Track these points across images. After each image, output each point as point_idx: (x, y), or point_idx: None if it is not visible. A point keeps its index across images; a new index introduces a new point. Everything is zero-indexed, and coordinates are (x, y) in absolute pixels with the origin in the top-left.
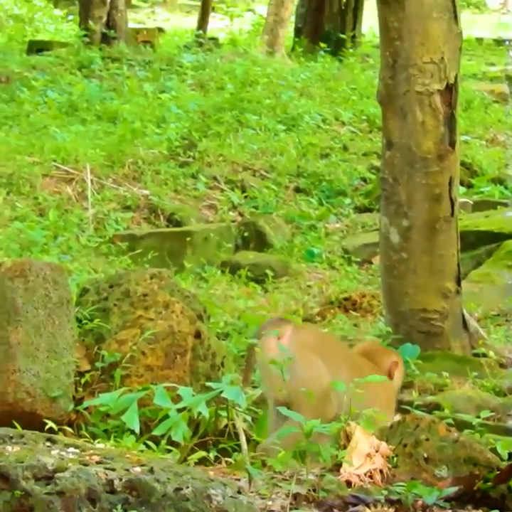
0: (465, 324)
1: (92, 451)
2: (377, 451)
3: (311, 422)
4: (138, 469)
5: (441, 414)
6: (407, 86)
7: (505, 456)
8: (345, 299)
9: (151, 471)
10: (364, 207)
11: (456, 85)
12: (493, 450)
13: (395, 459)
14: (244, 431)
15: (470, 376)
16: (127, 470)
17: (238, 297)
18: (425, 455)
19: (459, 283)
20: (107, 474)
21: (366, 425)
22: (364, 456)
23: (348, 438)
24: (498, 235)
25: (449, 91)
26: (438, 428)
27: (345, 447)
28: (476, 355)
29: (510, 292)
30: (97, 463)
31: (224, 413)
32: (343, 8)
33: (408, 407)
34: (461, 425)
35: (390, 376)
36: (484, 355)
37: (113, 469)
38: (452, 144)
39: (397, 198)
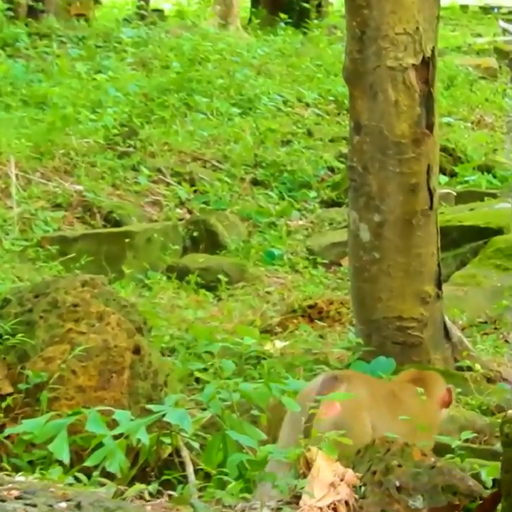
0: (447, 333)
1: (11, 485)
2: (342, 480)
3: (266, 447)
4: (63, 505)
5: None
6: (377, 61)
7: (490, 483)
8: (310, 307)
9: (78, 506)
10: (331, 201)
11: (434, 59)
12: (476, 476)
13: (363, 488)
14: (191, 460)
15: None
16: (50, 506)
17: (186, 307)
18: (397, 483)
19: (439, 286)
20: (26, 511)
21: (329, 450)
22: (327, 486)
23: (309, 465)
24: (484, 231)
25: (426, 66)
26: (412, 452)
27: (305, 476)
28: (460, 368)
29: (498, 296)
30: (17, 498)
31: (168, 440)
32: None
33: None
34: (442, 449)
35: (445, 404)
36: (469, 369)
37: (34, 505)
38: (430, 126)
39: (368, 189)
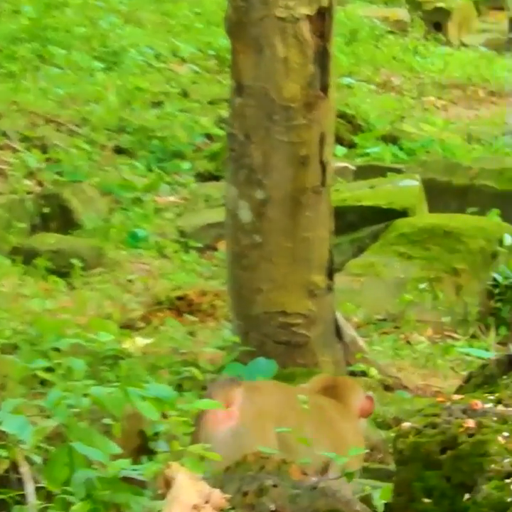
0: (338, 332)
1: None
2: (207, 502)
3: (119, 462)
4: None
5: None
6: (264, 10)
7: (381, 508)
8: (179, 299)
9: None
10: (208, 174)
11: (331, 9)
12: (367, 500)
13: None
14: (32, 476)
15: None
16: None
17: (33, 296)
18: (272, 507)
19: (331, 276)
20: None
21: (193, 466)
22: (189, 509)
23: (169, 484)
24: (387, 212)
25: (321, 17)
26: (290, 470)
27: (163, 497)
28: (353, 373)
29: (400, 289)
30: None
31: (4, 452)
32: None
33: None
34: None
35: (365, 413)
36: (364, 374)
37: None
38: (325, 88)
39: (249, 161)
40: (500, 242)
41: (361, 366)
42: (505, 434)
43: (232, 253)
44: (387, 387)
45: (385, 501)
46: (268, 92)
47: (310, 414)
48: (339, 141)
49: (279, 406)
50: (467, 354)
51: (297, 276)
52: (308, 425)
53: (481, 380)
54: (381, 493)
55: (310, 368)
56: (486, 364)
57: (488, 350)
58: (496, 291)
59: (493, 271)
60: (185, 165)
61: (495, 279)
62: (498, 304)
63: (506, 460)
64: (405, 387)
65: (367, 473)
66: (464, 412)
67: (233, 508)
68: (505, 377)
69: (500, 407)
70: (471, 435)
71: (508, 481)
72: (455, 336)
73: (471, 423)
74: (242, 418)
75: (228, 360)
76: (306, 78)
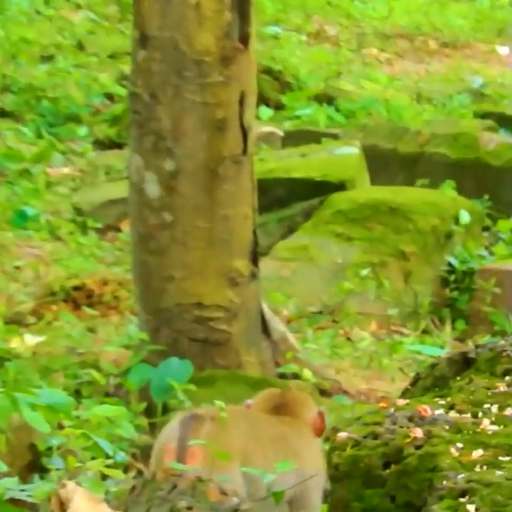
0: (265, 328)
1: None
2: None
3: (4, 481)
4: None
5: None
6: None
7: None
8: (76, 289)
9: None
10: (109, 141)
11: None
12: None
13: None
14: None
15: None
16: None
17: None
18: None
19: (255, 261)
20: None
21: (93, 486)
22: None
23: (63, 507)
24: (321, 186)
25: None
26: (207, 490)
27: None
28: (283, 376)
29: (338, 276)
30: None
31: None
32: None
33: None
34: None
35: (318, 432)
36: (296, 377)
37: None
38: (244, 38)
39: (157, 125)
40: (456, 220)
41: (293, 367)
42: (459, 445)
43: (138, 235)
44: (324, 392)
45: None
46: (177, 43)
47: (274, 443)
48: (264, 101)
49: (243, 439)
50: (418, 352)
51: (215, 261)
52: (274, 456)
53: (431, 381)
54: None
55: (232, 369)
56: (436, 363)
57: (443, 347)
58: (452, 278)
59: (447, 254)
60: (82, 130)
61: (450, 264)
62: (454, 294)
63: (460, 476)
64: (345, 392)
65: None
66: (411, 419)
67: None
68: (458, 378)
69: (452, 414)
70: (418, 447)
71: (462, 500)
72: (404, 331)
73: (418, 433)
74: (205, 459)
75: (135, 361)
76: (222, 27)
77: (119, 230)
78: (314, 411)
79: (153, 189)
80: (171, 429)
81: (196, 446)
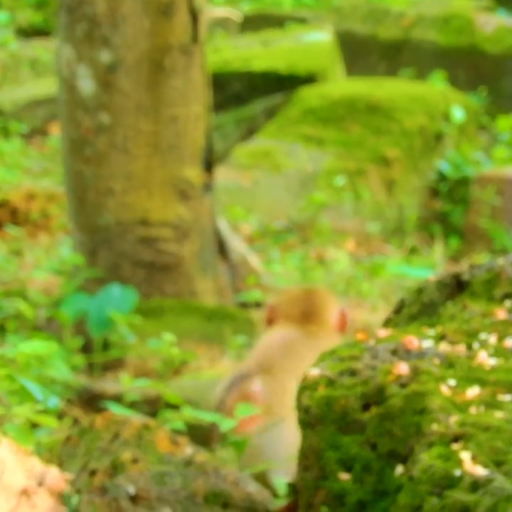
0: (222, 248)
1: None
2: (40, 485)
3: None
4: None
5: (168, 416)
6: None
7: (283, 489)
8: None
9: None
10: (33, 29)
11: None
12: (263, 478)
13: (76, 497)
14: None
15: (232, 345)
16: None
17: None
18: (132, 490)
19: (209, 170)
20: None
21: (20, 437)
22: (16, 495)
23: None
24: (286, 79)
25: None
26: (156, 439)
27: None
28: (244, 305)
29: (308, 187)
30: None
31: None
32: None
33: (109, 404)
34: (198, 433)
35: (341, 330)
36: (259, 306)
37: None
38: None
39: (91, 9)
40: (447, 119)
41: (255, 295)
42: (451, 382)
43: (71, 140)
44: None
45: (289, 480)
46: None
47: None
48: None
49: (291, 385)
50: (403, 275)
51: (162, 171)
52: None
53: (418, 309)
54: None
55: (183, 298)
56: (424, 287)
57: (432, 269)
58: (443, 187)
59: (437, 159)
60: (1, 16)
61: (441, 171)
62: (446, 206)
63: (453, 418)
64: None
65: None
66: (394, 353)
67: (78, 492)
68: (450, 304)
69: (443, 346)
70: (403, 385)
71: (455, 446)
72: (386, 250)
73: (403, 368)
74: (264, 415)
75: (69, 289)
76: None
77: (47, 134)
78: (337, 312)
79: (87, 86)
80: (224, 387)
81: (257, 404)
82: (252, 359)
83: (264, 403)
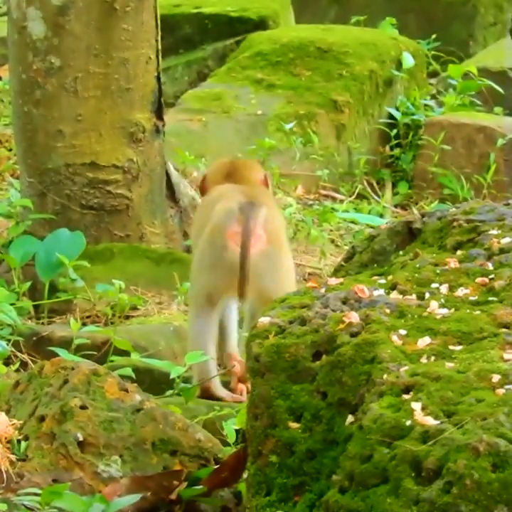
0: (172, 192)
1: None
2: None
3: None
4: None
5: (123, 362)
6: None
7: (232, 436)
8: None
9: None
10: None
11: None
12: (211, 425)
13: (23, 443)
14: None
15: (181, 289)
16: None
17: None
18: (80, 437)
19: (159, 114)
20: None
21: None
22: None
23: None
24: (236, 23)
25: None
26: (105, 386)
27: None
28: (191, 250)
29: (258, 131)
30: None
31: None
32: None
33: (58, 350)
34: (165, 381)
35: (266, 187)
36: None
37: None
38: None
39: None
40: (398, 64)
41: None
42: (402, 331)
43: (20, 82)
44: None
45: (238, 427)
46: None
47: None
48: None
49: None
50: (353, 221)
51: (112, 113)
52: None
53: (368, 256)
54: (237, 419)
55: (132, 242)
56: (375, 235)
57: (382, 216)
58: (393, 132)
59: (387, 105)
60: None
61: (391, 116)
62: (396, 151)
63: (403, 368)
64: None
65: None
66: (345, 301)
67: (26, 439)
68: (401, 252)
69: (394, 295)
70: (354, 334)
71: (406, 396)
72: (336, 195)
73: (354, 317)
74: (270, 238)
75: (16, 232)
76: None
77: None
78: (261, 173)
79: (37, 28)
80: (230, 213)
81: (261, 230)
82: (236, 196)
83: (267, 230)
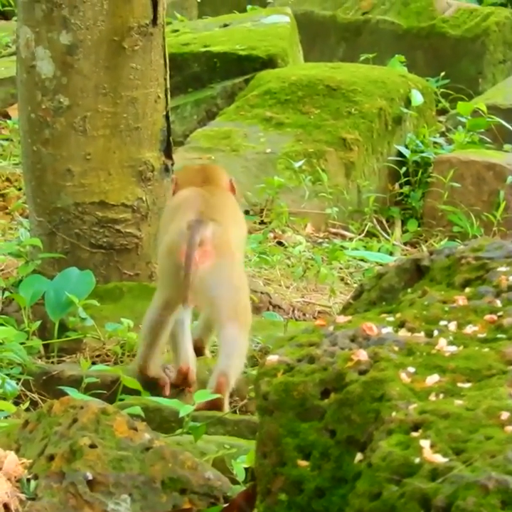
0: None
1: None
2: None
3: None
4: None
5: (132, 401)
6: None
7: (242, 475)
8: None
9: None
10: None
11: None
12: (222, 465)
13: (33, 483)
14: None
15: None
16: None
17: None
18: (89, 476)
19: (168, 153)
20: None
21: None
22: None
23: None
24: (245, 62)
25: None
26: (114, 424)
27: None
28: None
29: (267, 169)
30: None
31: None
32: None
33: (67, 389)
34: (164, 420)
35: (232, 192)
36: None
37: None
38: None
39: None
40: (407, 102)
41: None
42: (411, 369)
43: (29, 121)
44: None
45: (247, 466)
46: None
47: (231, 216)
48: None
49: (232, 230)
50: (362, 259)
51: (121, 152)
52: (233, 224)
53: (377, 294)
54: (247, 457)
55: (142, 281)
56: (383, 272)
57: (391, 253)
58: (402, 170)
59: (396, 142)
60: None
61: (400, 154)
62: (405, 189)
63: (412, 406)
64: (276, 307)
65: (223, 426)
66: (353, 339)
67: (35, 478)
68: (409, 290)
69: (402, 332)
70: (362, 372)
71: (415, 434)
72: (345, 233)
73: (362, 355)
74: (218, 253)
75: (26, 271)
76: None
77: (6, 116)
78: (228, 178)
79: (46, 67)
80: (180, 234)
81: (208, 246)
82: (191, 209)
83: (215, 245)
